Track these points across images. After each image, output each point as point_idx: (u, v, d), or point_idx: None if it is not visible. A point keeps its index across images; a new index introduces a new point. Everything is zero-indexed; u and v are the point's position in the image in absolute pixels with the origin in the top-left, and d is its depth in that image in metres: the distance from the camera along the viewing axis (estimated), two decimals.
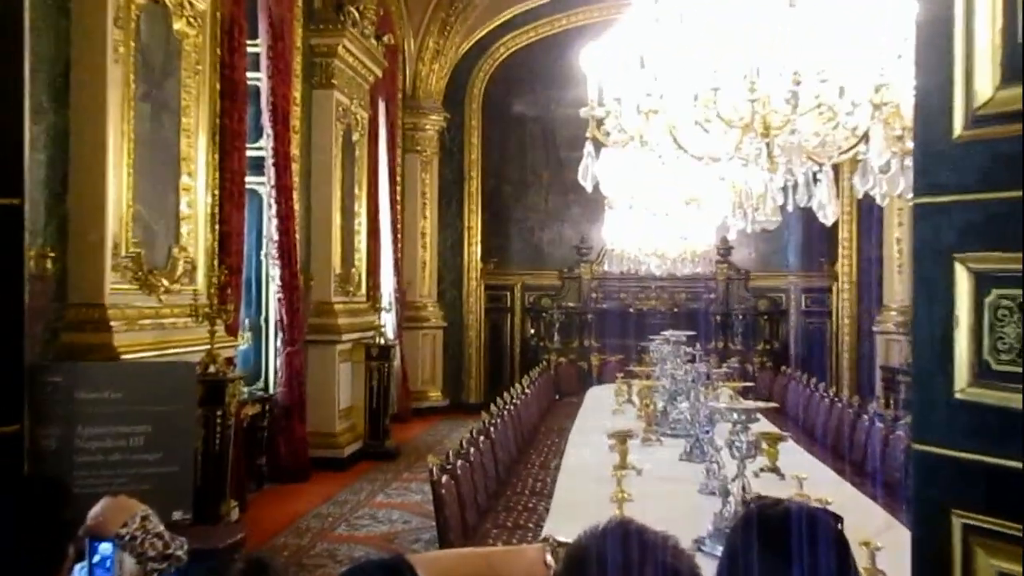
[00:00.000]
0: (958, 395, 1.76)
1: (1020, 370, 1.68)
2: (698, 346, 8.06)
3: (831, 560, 1.41)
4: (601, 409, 8.81)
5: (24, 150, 2.05)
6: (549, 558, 1.61)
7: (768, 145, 3.61)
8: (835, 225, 13.88)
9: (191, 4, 6.82)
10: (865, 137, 3.68)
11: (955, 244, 1.76)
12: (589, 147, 3.83)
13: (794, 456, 6.14)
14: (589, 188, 3.92)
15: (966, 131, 1.75)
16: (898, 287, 13.07)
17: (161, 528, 1.99)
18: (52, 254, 5.48)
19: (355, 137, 11.15)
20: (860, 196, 3.87)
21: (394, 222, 13.23)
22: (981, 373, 1.74)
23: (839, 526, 1.53)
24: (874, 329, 13.41)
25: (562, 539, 1.66)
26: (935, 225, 1.80)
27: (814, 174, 4.07)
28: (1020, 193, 1.66)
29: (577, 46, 4.06)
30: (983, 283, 1.73)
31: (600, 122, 3.84)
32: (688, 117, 3.61)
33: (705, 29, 3.49)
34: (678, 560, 1.32)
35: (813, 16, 3.44)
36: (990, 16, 1.71)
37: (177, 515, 3.14)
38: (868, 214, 13.43)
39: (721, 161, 3.81)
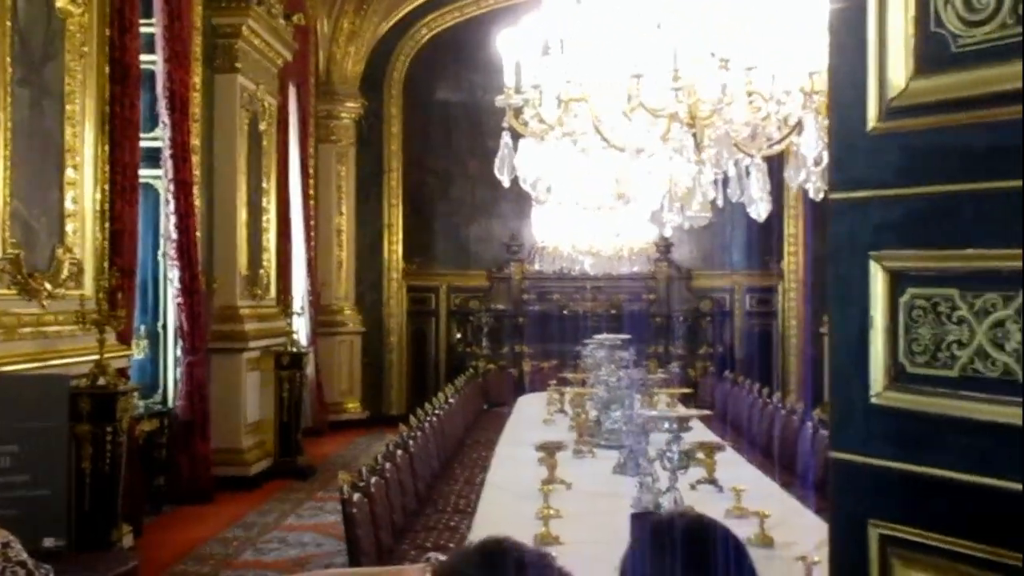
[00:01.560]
0: (874, 399, 1.82)
1: (934, 373, 1.74)
2: (633, 350, 8.14)
3: (726, 560, 1.45)
4: (532, 419, 8.85)
5: None
6: None
7: (695, 136, 3.68)
8: (781, 221, 14.12)
9: None
10: (798, 127, 3.77)
11: (871, 242, 1.82)
12: (506, 137, 3.86)
13: (734, 467, 6.23)
14: (507, 182, 3.94)
15: (880, 123, 1.80)
16: None
17: (24, 556, 1.98)
18: None
19: (262, 126, 11.05)
20: (794, 189, 3.96)
21: (307, 219, 13.12)
22: (897, 376, 1.80)
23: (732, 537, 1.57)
24: (822, 331, 13.62)
25: (444, 558, 1.68)
26: (851, 221, 1.85)
27: (747, 167, 4.15)
28: (936, 189, 1.73)
29: (506, 27, 4.08)
30: (898, 282, 1.79)
31: (519, 111, 3.87)
32: (611, 106, 3.67)
33: (628, 10, 3.55)
34: None
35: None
36: (902, 5, 1.77)
37: (49, 542, 3.08)
38: (815, 209, 13.64)
39: (647, 153, 3.87)
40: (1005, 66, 1.62)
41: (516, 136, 3.91)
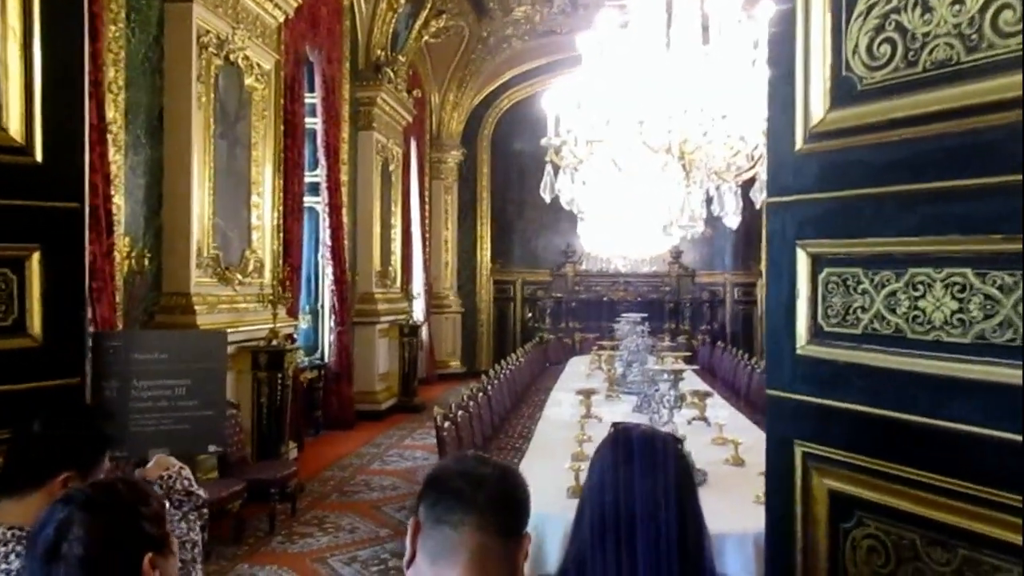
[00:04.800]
0: (799, 351, 1.72)
1: (844, 331, 1.63)
2: (648, 325, 7.97)
3: (671, 467, 1.37)
4: (578, 374, 8.73)
5: (84, 167, 2.00)
6: None
7: (684, 167, 3.56)
8: (759, 234, 13.79)
9: (259, 65, 6.76)
10: (761, 159, 3.63)
11: (796, 233, 1.72)
12: (549, 168, 3.78)
13: (720, 409, 6.07)
14: (548, 199, 3.86)
15: (804, 145, 1.70)
16: None
17: (190, 476, 2.02)
18: (149, 255, 5.44)
19: (391, 167, 11.08)
20: (758, 206, 3.80)
21: (423, 232, 13.16)
22: (816, 333, 1.70)
23: (680, 445, 1.49)
24: None
25: None
26: (782, 219, 1.75)
27: (728, 189, 4.01)
28: (845, 193, 1.62)
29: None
30: (818, 263, 1.69)
31: (558, 149, 3.79)
32: (623, 144, 3.57)
33: (636, 76, 3.44)
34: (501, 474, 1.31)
35: (723, 65, 3.39)
36: (821, 56, 1.66)
37: (212, 448, 3.10)
38: None
39: (649, 179, 3.76)
40: (897, 99, 1.51)
41: (556, 168, 3.82)
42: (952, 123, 1.40)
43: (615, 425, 1.52)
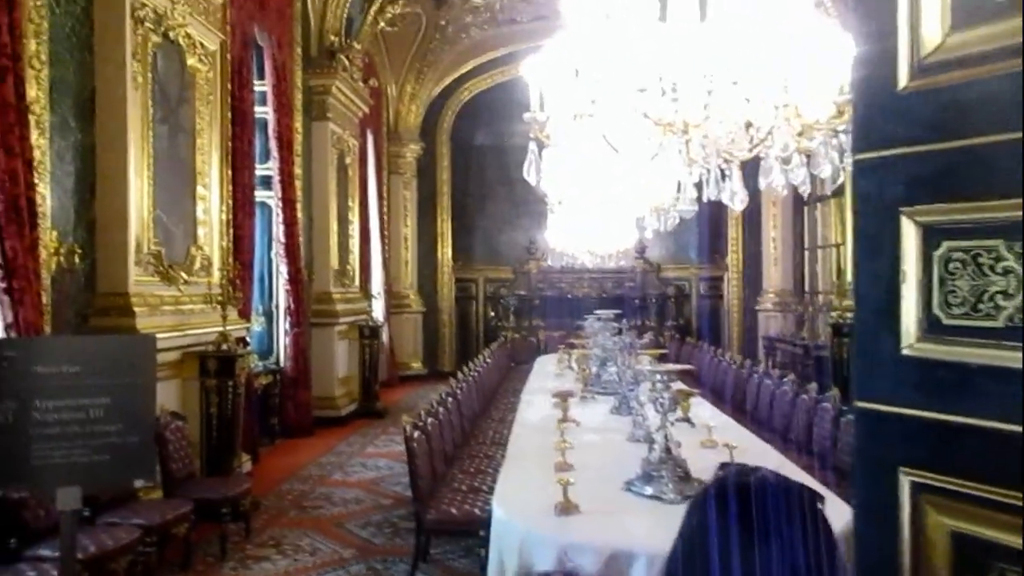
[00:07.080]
0: (905, 351, 1.32)
1: (974, 324, 1.24)
2: (625, 321, 7.61)
3: (816, 542, 0.96)
4: (547, 374, 8.37)
5: None
6: None
7: (687, 143, 3.16)
8: (725, 228, 13.61)
9: (202, 45, 6.22)
10: (769, 135, 3.24)
11: (901, 198, 1.32)
12: (532, 146, 3.35)
13: (701, 409, 5.77)
14: (534, 182, 3.42)
15: (912, 82, 1.30)
16: (773, 275, 12.78)
17: None
18: (80, 251, 4.89)
19: (347, 160, 10.56)
20: (763, 188, 3.41)
21: (382, 229, 12.66)
22: (930, 328, 1.30)
23: (820, 505, 1.07)
24: (756, 308, 13.14)
25: None
26: (879, 180, 1.34)
27: (722, 171, 3.63)
28: (975, 141, 1.22)
29: (523, 89, 3.56)
30: (932, 236, 1.29)
31: (542, 125, 3.36)
32: (618, 120, 3.15)
33: (635, 38, 3.03)
34: None
35: (726, 27, 3.00)
36: None
37: (139, 483, 2.60)
38: (751, 219, 13.12)
39: (650, 156, 3.35)
40: None
41: (540, 146, 3.39)
42: None
43: (722, 467, 1.11)
